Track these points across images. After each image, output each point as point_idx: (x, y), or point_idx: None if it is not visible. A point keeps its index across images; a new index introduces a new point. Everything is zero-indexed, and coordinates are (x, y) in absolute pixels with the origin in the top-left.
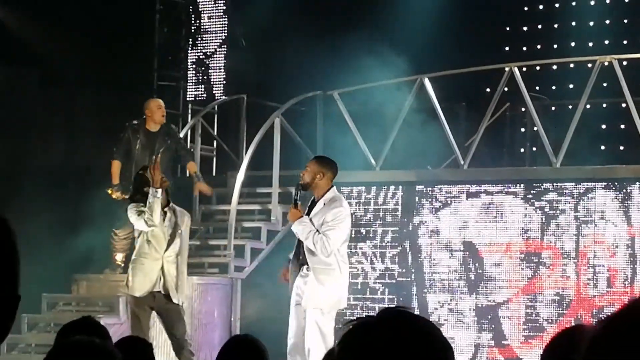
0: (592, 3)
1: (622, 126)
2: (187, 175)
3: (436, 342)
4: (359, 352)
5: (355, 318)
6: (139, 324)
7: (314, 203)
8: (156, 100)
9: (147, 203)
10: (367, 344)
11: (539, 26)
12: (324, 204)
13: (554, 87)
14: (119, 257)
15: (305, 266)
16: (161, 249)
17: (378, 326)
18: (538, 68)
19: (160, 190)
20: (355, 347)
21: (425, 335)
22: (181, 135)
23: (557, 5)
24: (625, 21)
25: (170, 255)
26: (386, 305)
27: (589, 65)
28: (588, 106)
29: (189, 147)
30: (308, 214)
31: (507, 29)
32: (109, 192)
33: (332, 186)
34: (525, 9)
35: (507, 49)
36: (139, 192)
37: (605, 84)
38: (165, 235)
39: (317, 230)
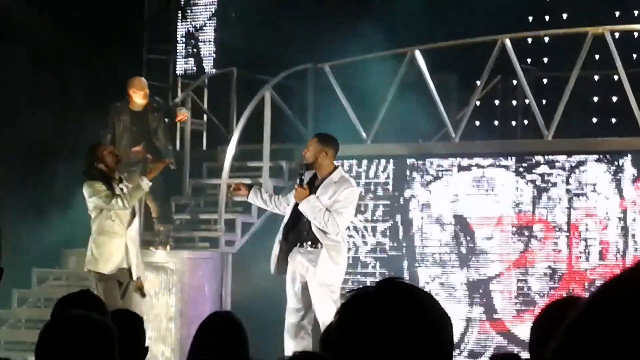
0: None
1: (614, 98)
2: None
3: (433, 313)
4: (355, 322)
5: (354, 289)
6: (113, 299)
7: (315, 181)
8: (139, 79)
9: (135, 190)
10: (364, 314)
11: None
12: (334, 182)
13: (545, 59)
14: None
15: (306, 243)
16: (124, 226)
17: (375, 296)
18: (529, 40)
19: (150, 183)
20: (352, 317)
21: (421, 305)
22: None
23: None
24: None
25: (132, 231)
26: (377, 280)
27: (581, 36)
28: (580, 78)
29: (175, 125)
30: (311, 192)
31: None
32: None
33: (337, 166)
34: None
35: (498, 20)
36: (93, 169)
37: (597, 56)
38: (127, 212)
39: (327, 209)
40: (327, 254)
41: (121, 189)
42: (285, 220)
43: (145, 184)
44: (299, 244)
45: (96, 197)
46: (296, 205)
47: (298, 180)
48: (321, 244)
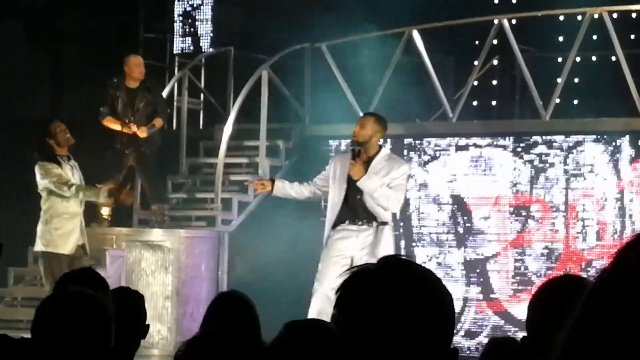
0: None
1: (612, 79)
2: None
3: (434, 290)
4: (355, 299)
5: (355, 266)
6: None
7: (362, 159)
8: (135, 57)
9: (91, 193)
10: (364, 291)
11: None
12: (385, 161)
13: (543, 40)
14: (105, 211)
15: (361, 220)
16: (77, 205)
17: (376, 273)
18: (527, 20)
19: (107, 199)
20: (351, 293)
21: (422, 282)
22: (167, 88)
23: None
24: None
25: (82, 209)
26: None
27: (579, 17)
28: (578, 59)
29: (171, 103)
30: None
31: None
32: (133, 129)
33: (381, 145)
34: None
35: (496, 1)
36: (44, 144)
37: (595, 37)
38: None
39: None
40: (389, 234)
41: (71, 167)
42: (336, 199)
43: (103, 198)
44: (348, 221)
45: (48, 181)
46: (348, 183)
47: (352, 157)
48: (376, 221)
